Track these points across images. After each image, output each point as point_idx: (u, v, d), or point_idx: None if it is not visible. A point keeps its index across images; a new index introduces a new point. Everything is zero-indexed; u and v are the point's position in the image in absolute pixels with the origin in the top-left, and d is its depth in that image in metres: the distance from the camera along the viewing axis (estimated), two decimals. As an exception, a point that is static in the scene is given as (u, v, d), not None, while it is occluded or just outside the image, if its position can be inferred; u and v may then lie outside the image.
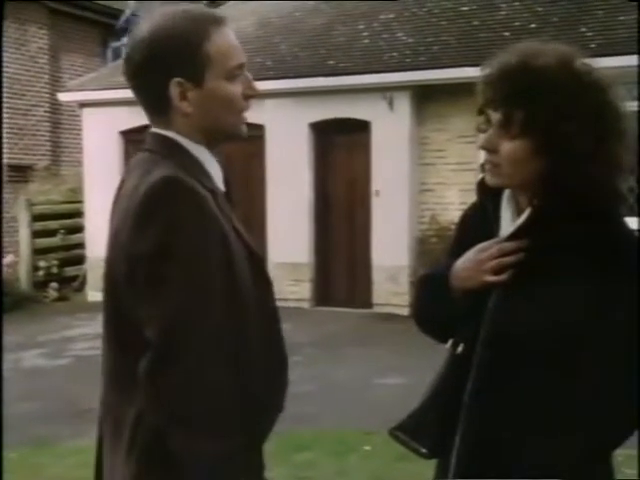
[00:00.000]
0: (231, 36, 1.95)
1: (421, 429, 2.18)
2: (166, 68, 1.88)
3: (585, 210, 1.99)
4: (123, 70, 1.96)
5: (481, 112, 2.08)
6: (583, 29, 10.96)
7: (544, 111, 1.96)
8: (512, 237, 2.06)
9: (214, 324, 1.80)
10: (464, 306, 2.09)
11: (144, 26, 1.93)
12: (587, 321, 1.95)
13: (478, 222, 2.20)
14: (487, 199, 2.18)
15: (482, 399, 2.03)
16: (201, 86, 1.90)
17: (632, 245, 2.03)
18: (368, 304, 12.28)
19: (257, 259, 1.97)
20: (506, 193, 2.15)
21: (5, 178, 14.91)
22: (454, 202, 11.62)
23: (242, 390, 1.86)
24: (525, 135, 1.98)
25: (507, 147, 2.01)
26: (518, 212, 2.11)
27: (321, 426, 6.81)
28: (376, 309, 12.20)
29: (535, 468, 1.96)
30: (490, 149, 2.04)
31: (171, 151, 1.91)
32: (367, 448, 6.22)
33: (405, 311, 11.42)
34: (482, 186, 2.19)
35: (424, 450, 2.19)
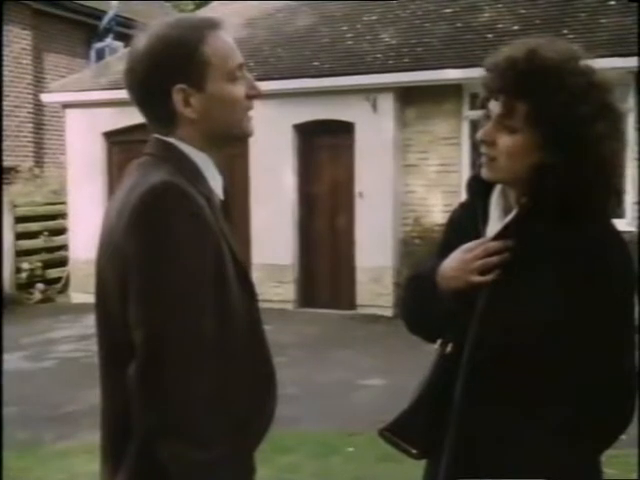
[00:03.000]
0: (227, 38, 1.96)
1: (411, 429, 2.18)
2: (167, 76, 1.89)
3: (573, 209, 1.99)
4: (125, 83, 1.96)
5: (482, 106, 2.08)
6: (565, 31, 11.00)
7: (549, 105, 1.95)
8: (498, 236, 2.06)
9: (202, 332, 1.79)
10: (452, 306, 2.09)
11: (141, 38, 1.93)
12: (575, 321, 1.96)
13: (466, 222, 2.19)
14: (477, 198, 2.18)
15: (472, 399, 2.04)
16: (203, 90, 1.91)
17: (619, 245, 2.03)
18: (352, 305, 12.28)
19: (242, 269, 1.96)
20: (496, 191, 2.14)
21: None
22: (437, 204, 11.63)
23: (230, 398, 1.85)
24: (526, 128, 1.98)
25: (506, 140, 2.01)
26: (507, 211, 2.11)
27: (304, 428, 6.79)
28: (360, 310, 12.19)
29: (526, 468, 1.97)
30: (488, 141, 2.04)
31: (171, 156, 1.92)
32: (350, 450, 6.22)
33: (389, 312, 11.44)
34: (472, 184, 2.19)
35: (414, 451, 2.19)
